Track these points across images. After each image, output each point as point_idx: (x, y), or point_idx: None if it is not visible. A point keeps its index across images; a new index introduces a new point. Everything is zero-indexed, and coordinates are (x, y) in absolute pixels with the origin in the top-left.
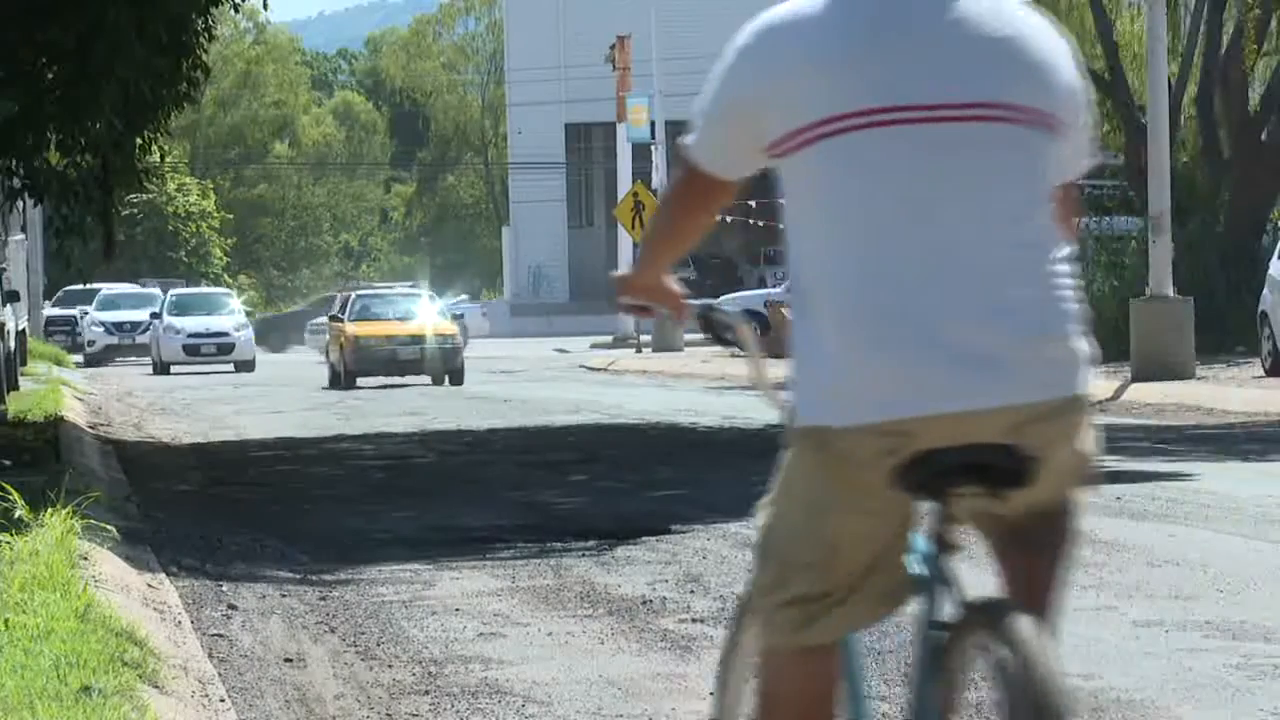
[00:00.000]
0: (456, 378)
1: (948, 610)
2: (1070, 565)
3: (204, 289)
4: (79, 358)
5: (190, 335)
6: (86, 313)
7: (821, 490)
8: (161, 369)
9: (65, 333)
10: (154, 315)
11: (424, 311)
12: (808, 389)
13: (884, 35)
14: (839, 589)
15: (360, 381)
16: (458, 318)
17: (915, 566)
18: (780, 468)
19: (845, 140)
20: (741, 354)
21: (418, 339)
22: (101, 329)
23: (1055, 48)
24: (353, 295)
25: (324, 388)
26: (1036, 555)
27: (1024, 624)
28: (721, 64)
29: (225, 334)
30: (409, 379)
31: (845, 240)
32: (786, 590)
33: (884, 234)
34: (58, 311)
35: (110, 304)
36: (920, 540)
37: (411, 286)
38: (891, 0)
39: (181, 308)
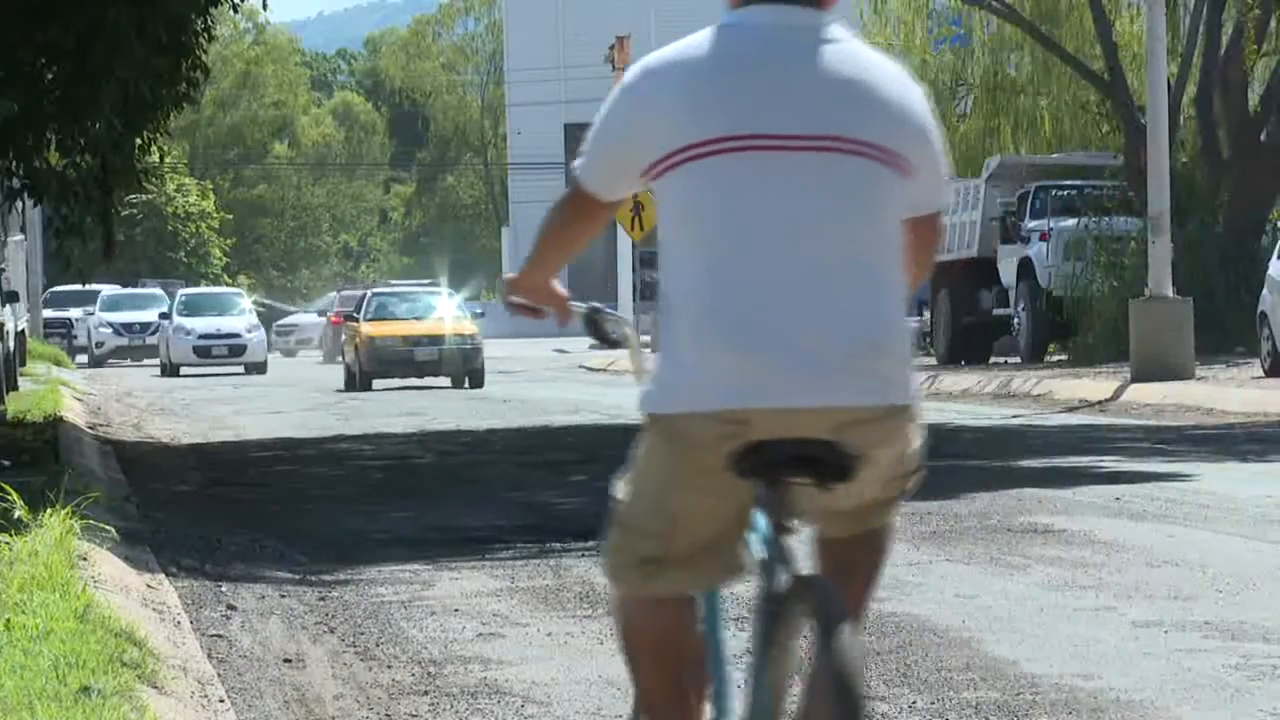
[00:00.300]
0: (477, 379)
1: (782, 586)
2: (873, 589)
3: (215, 289)
4: (82, 359)
5: (201, 336)
6: (91, 313)
7: (668, 472)
8: (171, 370)
9: (62, 334)
10: (163, 316)
11: (443, 310)
12: (662, 382)
13: (745, 73)
14: (679, 556)
15: (377, 383)
16: (478, 316)
17: (756, 547)
18: (636, 451)
19: (705, 164)
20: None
21: (436, 339)
22: (110, 330)
23: (907, 93)
24: (369, 293)
25: (338, 390)
26: (846, 582)
27: (834, 605)
28: (609, 100)
29: (237, 335)
30: (427, 381)
31: (703, 252)
32: (633, 552)
33: (736, 248)
34: (52, 314)
35: (115, 304)
36: (761, 523)
37: (431, 284)
38: (754, 44)
39: (192, 308)
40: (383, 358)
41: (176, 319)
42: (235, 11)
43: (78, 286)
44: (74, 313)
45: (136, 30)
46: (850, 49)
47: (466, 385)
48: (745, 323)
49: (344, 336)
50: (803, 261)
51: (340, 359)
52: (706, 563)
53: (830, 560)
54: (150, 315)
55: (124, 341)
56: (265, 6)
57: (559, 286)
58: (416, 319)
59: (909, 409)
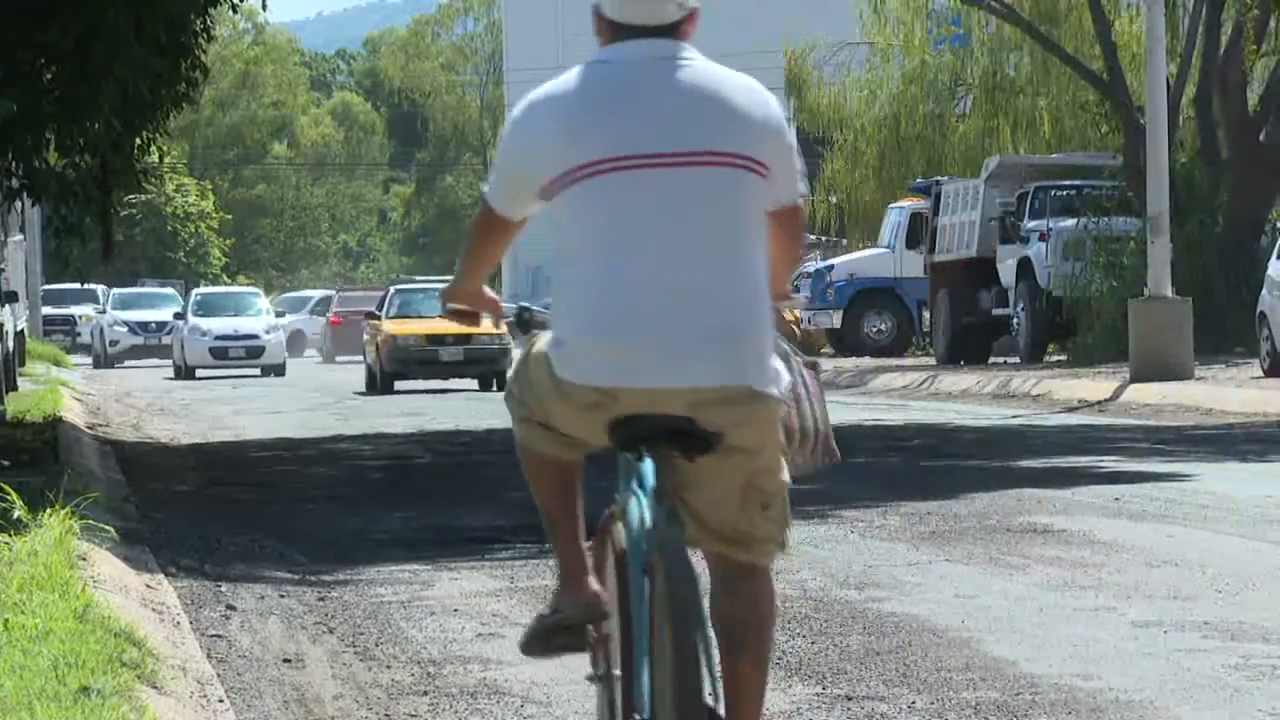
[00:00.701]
0: (505, 381)
1: (651, 537)
2: (770, 649)
3: (231, 287)
4: (85, 359)
5: (217, 337)
6: (103, 311)
7: (548, 390)
8: (186, 373)
9: (64, 332)
10: (177, 315)
11: None
12: (555, 351)
13: (617, 102)
14: (552, 432)
15: (399, 385)
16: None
17: (636, 510)
18: (527, 349)
19: (588, 184)
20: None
21: (462, 338)
22: (125, 329)
23: (760, 103)
24: (392, 289)
25: (358, 393)
26: (737, 653)
27: (679, 556)
28: (504, 132)
29: (255, 336)
30: (453, 383)
31: (589, 258)
32: (523, 413)
33: (613, 252)
34: (51, 310)
35: (129, 303)
36: (646, 489)
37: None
38: (623, 76)
39: (207, 308)
40: (405, 358)
41: (191, 319)
42: (234, 12)
43: (75, 285)
44: (77, 310)
45: (135, 30)
46: (706, 70)
47: (495, 388)
48: (619, 316)
49: (365, 336)
50: (672, 263)
51: (334, 359)
52: (572, 444)
53: (718, 604)
54: (165, 314)
55: (139, 341)
56: (264, 7)
57: (489, 291)
58: (442, 317)
59: (768, 398)
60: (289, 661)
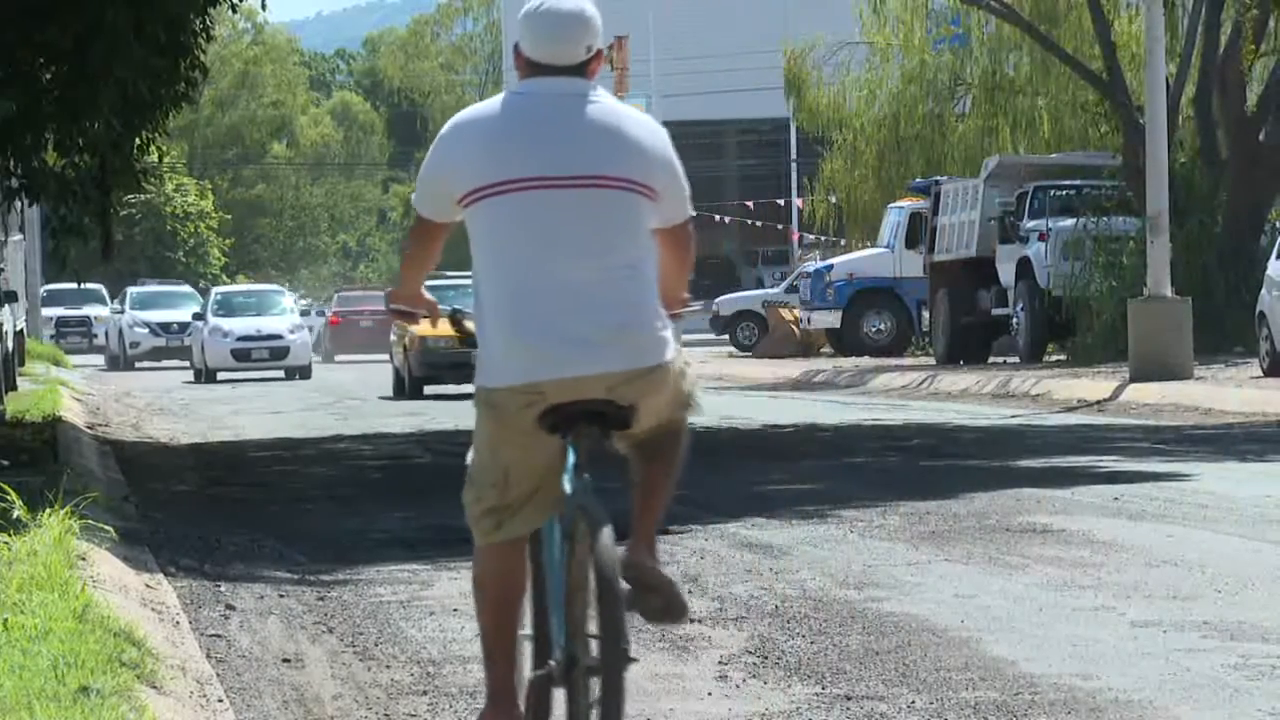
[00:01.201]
0: None
1: (571, 503)
2: (677, 467)
3: (254, 285)
4: (100, 360)
5: (239, 338)
6: (121, 311)
7: (494, 435)
8: (207, 376)
9: (81, 334)
10: (197, 316)
11: None
12: (481, 364)
13: (530, 130)
14: (515, 501)
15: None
16: None
17: (565, 484)
18: (476, 423)
19: (501, 199)
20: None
21: None
22: (146, 330)
23: (653, 136)
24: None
25: (385, 397)
26: (651, 462)
27: (597, 514)
28: (432, 147)
29: (279, 336)
30: None
31: (503, 268)
32: (481, 503)
33: (523, 262)
34: (67, 311)
35: (148, 302)
36: (569, 466)
37: None
38: (536, 107)
39: (228, 307)
40: (436, 361)
41: (212, 319)
42: (234, 11)
43: (90, 285)
44: (92, 310)
45: (135, 30)
46: (609, 107)
47: None
48: (534, 319)
49: (393, 336)
50: (576, 271)
51: (333, 358)
52: (537, 504)
53: (636, 449)
54: (187, 314)
55: (161, 342)
56: (264, 6)
57: (427, 294)
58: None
59: (665, 365)
60: (288, 661)
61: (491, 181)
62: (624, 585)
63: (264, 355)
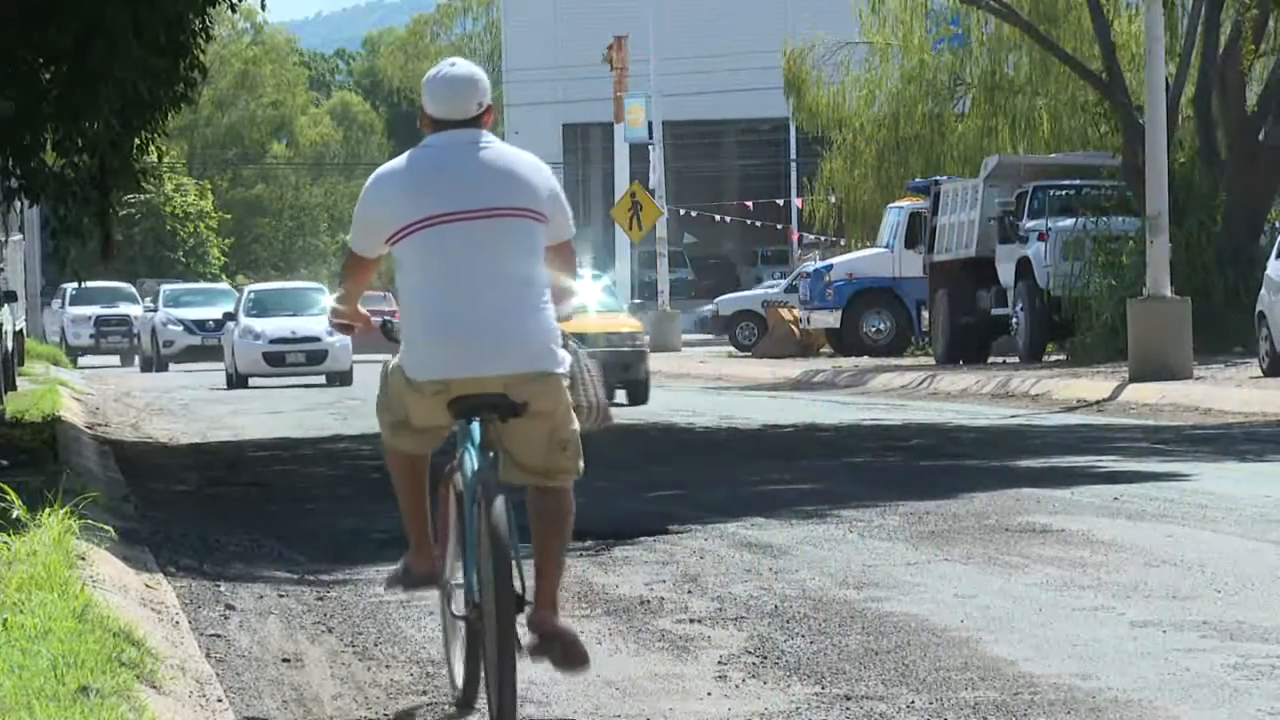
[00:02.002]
0: (638, 393)
1: (475, 477)
2: (567, 537)
3: (290, 283)
4: (135, 362)
5: (273, 341)
6: (154, 309)
7: (407, 394)
8: (238, 381)
9: (122, 333)
10: (228, 316)
11: (588, 298)
12: (404, 358)
13: (435, 175)
14: (410, 429)
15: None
16: (638, 305)
17: (468, 461)
18: (385, 374)
19: (419, 234)
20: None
21: (580, 339)
22: (180, 328)
23: (538, 172)
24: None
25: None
26: (546, 538)
27: (491, 487)
28: (361, 198)
29: (316, 339)
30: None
31: (423, 287)
32: (386, 417)
33: (438, 283)
34: (105, 310)
35: (181, 300)
36: (472, 450)
37: None
38: (441, 156)
39: (261, 306)
40: None
41: (244, 320)
42: (233, 11)
43: (109, 283)
44: (131, 309)
45: (134, 30)
46: (500, 150)
47: (625, 402)
48: (448, 329)
49: None
50: (480, 288)
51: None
52: (424, 439)
53: (534, 511)
54: (220, 311)
55: (196, 341)
56: (263, 6)
57: (362, 309)
58: None
59: (555, 375)
60: (288, 661)
61: (411, 221)
62: (530, 638)
63: (300, 359)
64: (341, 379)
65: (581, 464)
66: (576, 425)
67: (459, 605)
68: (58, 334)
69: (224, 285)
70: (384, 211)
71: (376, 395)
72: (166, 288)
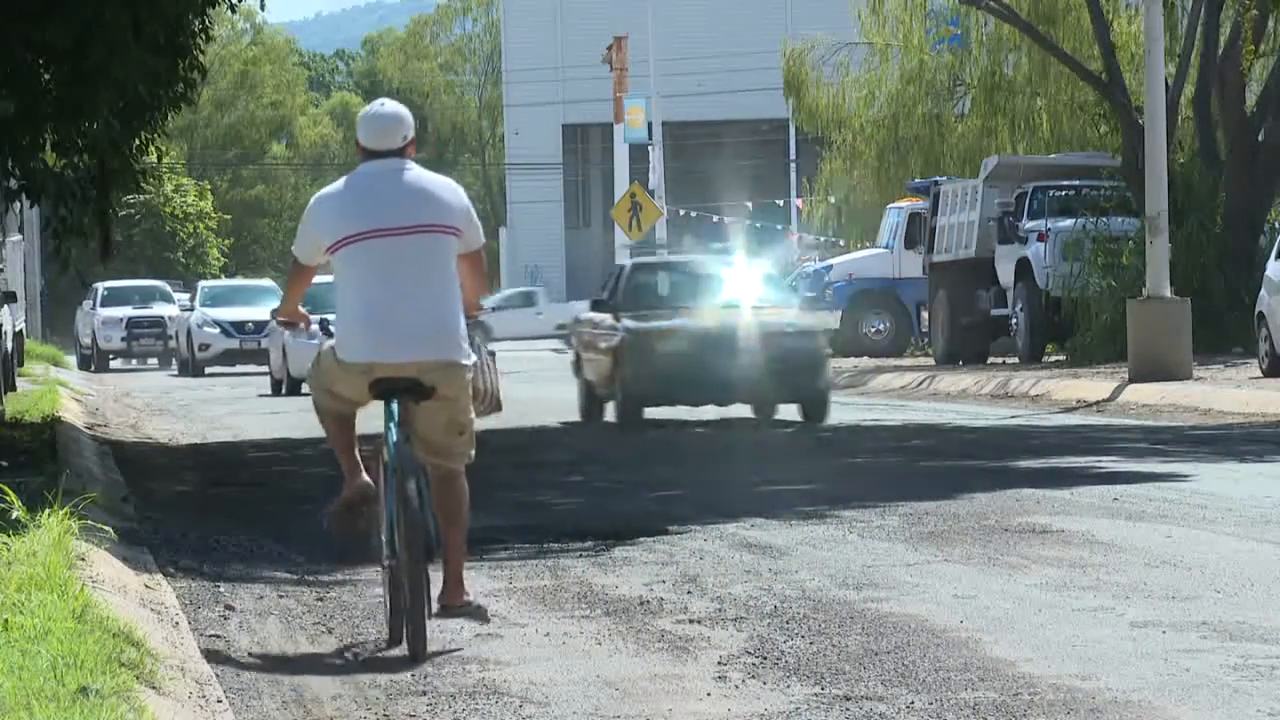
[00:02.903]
0: (816, 406)
1: (395, 456)
2: (463, 525)
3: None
4: (172, 369)
5: None
6: (190, 309)
7: (334, 369)
8: (290, 387)
9: (155, 335)
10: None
11: (744, 289)
12: (339, 343)
13: (366, 197)
14: (333, 395)
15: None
16: (812, 300)
17: (389, 436)
18: (319, 353)
19: (352, 246)
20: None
21: (731, 336)
22: (217, 330)
23: (453, 193)
24: (626, 266)
25: (566, 422)
26: (448, 525)
27: (407, 462)
28: (304, 215)
29: None
30: (729, 410)
31: (354, 289)
32: (313, 382)
33: (368, 286)
34: (137, 312)
35: (219, 298)
36: (394, 422)
37: (720, 249)
38: (371, 180)
39: (319, 303)
40: (660, 372)
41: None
42: (233, 12)
43: (143, 281)
44: (165, 309)
45: (134, 31)
46: (420, 175)
47: (803, 415)
48: (373, 323)
49: (578, 339)
50: (402, 291)
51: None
52: (347, 405)
53: (435, 502)
54: (265, 311)
55: (234, 344)
56: (263, 7)
57: (302, 309)
58: (706, 306)
59: (461, 366)
60: (288, 661)
61: (346, 235)
62: (438, 608)
63: None
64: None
65: (473, 451)
66: (474, 416)
67: (384, 558)
68: (89, 337)
69: (269, 282)
70: (324, 228)
71: (309, 370)
72: (205, 285)
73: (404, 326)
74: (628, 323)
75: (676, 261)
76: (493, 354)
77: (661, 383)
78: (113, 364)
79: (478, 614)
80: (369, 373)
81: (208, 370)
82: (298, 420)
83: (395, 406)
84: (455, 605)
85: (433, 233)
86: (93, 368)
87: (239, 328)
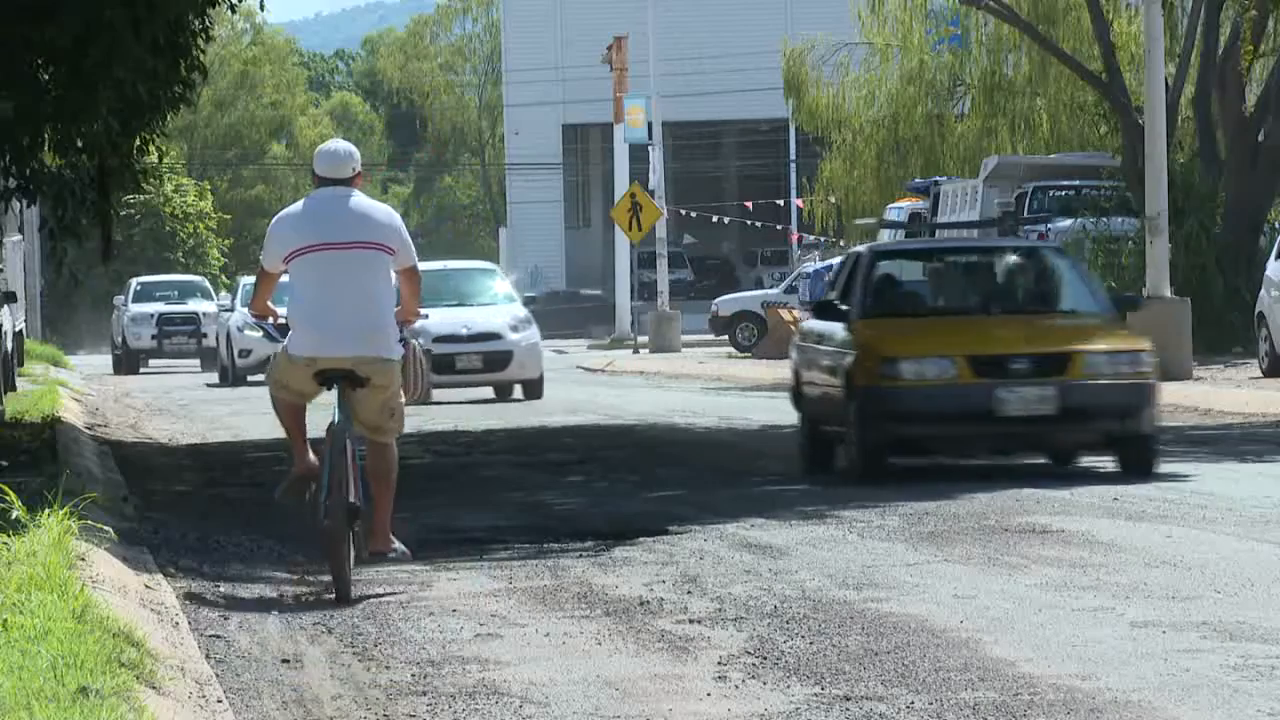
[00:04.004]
0: (1140, 457)
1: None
2: (391, 484)
3: (451, 262)
4: (213, 377)
5: (438, 339)
6: (229, 309)
7: (286, 363)
8: (234, 376)
9: (188, 333)
10: None
11: (1030, 276)
12: (289, 340)
13: (317, 217)
14: (287, 389)
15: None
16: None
17: (336, 415)
18: (279, 350)
19: (304, 257)
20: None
21: (1045, 363)
22: (259, 333)
23: (389, 216)
24: (860, 253)
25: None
26: (377, 483)
27: (340, 437)
28: (268, 230)
29: (495, 335)
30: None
31: (303, 294)
32: (272, 378)
33: (316, 291)
34: (168, 308)
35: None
36: (339, 404)
37: (1004, 213)
38: (322, 204)
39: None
40: (939, 403)
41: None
42: (233, 12)
43: (178, 276)
44: (201, 306)
45: (134, 31)
46: (362, 201)
47: (1117, 467)
48: (318, 323)
49: (800, 351)
50: (343, 297)
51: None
52: (298, 396)
53: (369, 466)
54: None
55: (279, 349)
56: (263, 7)
57: (271, 306)
58: (998, 313)
59: (391, 360)
60: (287, 662)
61: (299, 247)
62: (366, 554)
63: (475, 364)
64: (531, 390)
65: (403, 427)
66: (403, 399)
67: (321, 519)
68: (120, 336)
69: None
70: (283, 240)
71: (267, 371)
72: (246, 280)
73: (343, 326)
74: (865, 333)
75: (920, 247)
76: (427, 351)
77: (916, 401)
78: (145, 365)
79: (404, 558)
80: (313, 364)
81: (249, 379)
82: None
83: (337, 391)
84: (382, 551)
85: (370, 249)
86: (123, 370)
87: (286, 331)
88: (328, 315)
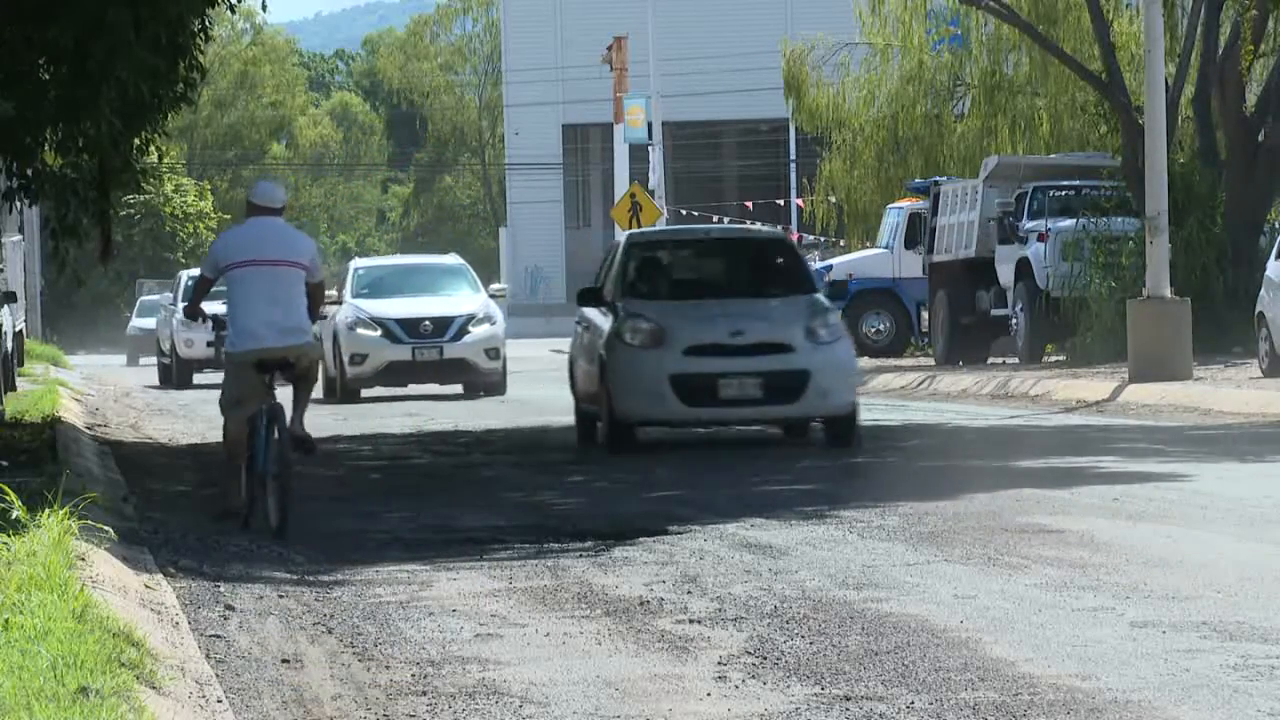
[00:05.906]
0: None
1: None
2: (311, 388)
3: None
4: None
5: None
6: (337, 301)
7: (238, 373)
8: (179, 377)
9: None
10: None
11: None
12: (229, 340)
13: (250, 238)
14: (243, 404)
15: None
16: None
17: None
18: (229, 366)
19: (238, 270)
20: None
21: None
22: (377, 332)
23: (307, 242)
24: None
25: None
26: (299, 389)
27: (280, 418)
28: (211, 247)
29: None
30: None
31: (239, 300)
32: (230, 397)
33: (247, 297)
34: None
35: (378, 286)
36: (268, 389)
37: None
38: (255, 230)
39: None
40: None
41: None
42: (233, 12)
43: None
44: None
45: (135, 31)
46: (287, 228)
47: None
48: (253, 323)
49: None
50: (271, 302)
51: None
52: (250, 404)
53: (295, 381)
54: (453, 305)
55: (403, 354)
56: (263, 7)
57: (202, 306)
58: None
59: (312, 345)
60: (288, 662)
61: (235, 261)
62: (290, 438)
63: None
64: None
65: (320, 389)
66: (319, 372)
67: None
68: (169, 342)
69: (453, 259)
70: (223, 255)
71: (220, 398)
72: (359, 265)
73: (277, 325)
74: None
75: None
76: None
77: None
78: (199, 377)
79: (308, 441)
80: (253, 358)
81: (364, 394)
82: None
83: (272, 378)
84: (298, 435)
85: (291, 266)
86: (173, 383)
87: (410, 328)
88: (263, 317)
